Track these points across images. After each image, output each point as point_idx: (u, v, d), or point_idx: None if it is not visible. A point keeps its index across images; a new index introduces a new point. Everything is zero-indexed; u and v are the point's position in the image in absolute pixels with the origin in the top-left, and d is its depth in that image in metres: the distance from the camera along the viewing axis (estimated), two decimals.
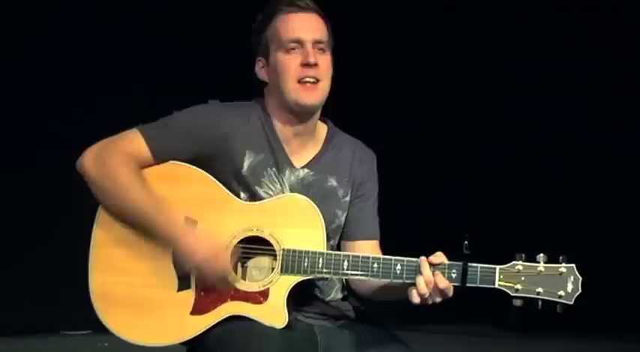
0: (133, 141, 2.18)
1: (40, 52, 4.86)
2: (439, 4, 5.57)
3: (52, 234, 4.77)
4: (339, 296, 2.32)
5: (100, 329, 2.18)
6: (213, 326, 2.12)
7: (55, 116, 4.84)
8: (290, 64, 2.20)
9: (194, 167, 2.21)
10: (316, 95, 2.21)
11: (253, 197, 2.22)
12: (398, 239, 2.31)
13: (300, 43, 2.21)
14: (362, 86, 5.11)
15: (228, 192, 2.20)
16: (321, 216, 2.17)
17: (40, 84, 4.88)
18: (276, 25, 2.24)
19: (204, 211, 2.17)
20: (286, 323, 2.11)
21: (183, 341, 2.16)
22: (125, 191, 2.14)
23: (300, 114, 2.24)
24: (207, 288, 2.14)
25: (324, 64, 2.22)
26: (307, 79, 2.20)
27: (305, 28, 2.22)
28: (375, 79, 5.37)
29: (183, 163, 2.21)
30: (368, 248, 2.29)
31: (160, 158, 2.19)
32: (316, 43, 2.22)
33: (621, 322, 5.54)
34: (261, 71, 2.29)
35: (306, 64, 2.19)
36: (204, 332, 2.13)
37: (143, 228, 2.16)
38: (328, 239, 2.22)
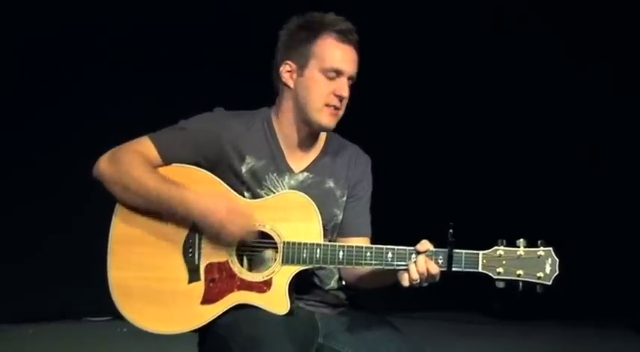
0: (144, 146, 2.31)
1: (63, 59, 5.07)
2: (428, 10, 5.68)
3: (77, 227, 4.95)
4: (337, 285, 2.42)
5: (119, 315, 2.30)
6: (222, 314, 2.24)
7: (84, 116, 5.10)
8: (325, 88, 2.30)
9: (200, 169, 2.32)
10: (334, 120, 2.33)
11: (255, 198, 2.33)
12: (387, 229, 2.41)
13: (339, 73, 2.31)
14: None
15: (232, 191, 2.31)
16: (318, 211, 2.27)
17: (64, 85, 5.09)
18: (324, 46, 2.31)
19: None
20: (288, 310, 2.22)
21: (195, 328, 2.28)
22: (140, 180, 2.25)
23: (312, 129, 2.37)
24: (215, 279, 2.25)
25: (348, 95, 2.33)
26: (332, 110, 2.31)
27: (347, 62, 2.32)
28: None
29: (190, 166, 2.32)
30: (360, 243, 2.33)
31: (167, 162, 2.32)
32: (350, 77, 2.33)
33: (604, 310, 5.67)
34: (286, 75, 2.35)
35: (337, 95, 2.31)
36: (213, 320, 2.24)
37: (162, 209, 2.25)
38: (327, 235, 2.33)
